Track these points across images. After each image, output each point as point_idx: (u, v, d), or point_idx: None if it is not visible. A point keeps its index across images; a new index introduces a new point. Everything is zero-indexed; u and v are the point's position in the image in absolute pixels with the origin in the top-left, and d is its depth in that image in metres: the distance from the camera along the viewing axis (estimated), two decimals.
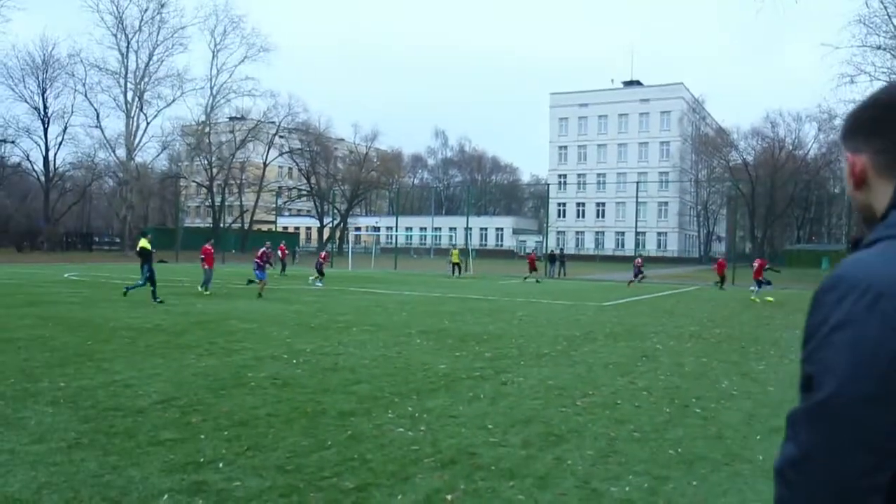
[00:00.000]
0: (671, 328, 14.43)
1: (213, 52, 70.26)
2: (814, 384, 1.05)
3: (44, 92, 65.98)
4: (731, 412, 6.97)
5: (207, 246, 21.29)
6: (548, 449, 5.50)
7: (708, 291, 28.32)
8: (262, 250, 21.21)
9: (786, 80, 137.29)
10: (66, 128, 67.81)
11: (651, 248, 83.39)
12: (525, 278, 33.21)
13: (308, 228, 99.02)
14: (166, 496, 4.29)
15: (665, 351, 11.15)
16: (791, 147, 76.72)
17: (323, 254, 29.44)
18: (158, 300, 16.98)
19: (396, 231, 58.51)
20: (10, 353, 9.30)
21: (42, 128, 66.53)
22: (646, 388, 8.02)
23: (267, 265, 20.87)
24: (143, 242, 17.96)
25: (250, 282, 22.70)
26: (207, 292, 20.31)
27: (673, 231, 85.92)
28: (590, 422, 6.41)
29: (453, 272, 37.89)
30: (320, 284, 25.85)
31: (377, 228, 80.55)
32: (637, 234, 53.37)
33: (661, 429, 6.23)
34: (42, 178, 69.17)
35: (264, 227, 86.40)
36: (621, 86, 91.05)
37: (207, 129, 72.45)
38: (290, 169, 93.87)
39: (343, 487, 4.52)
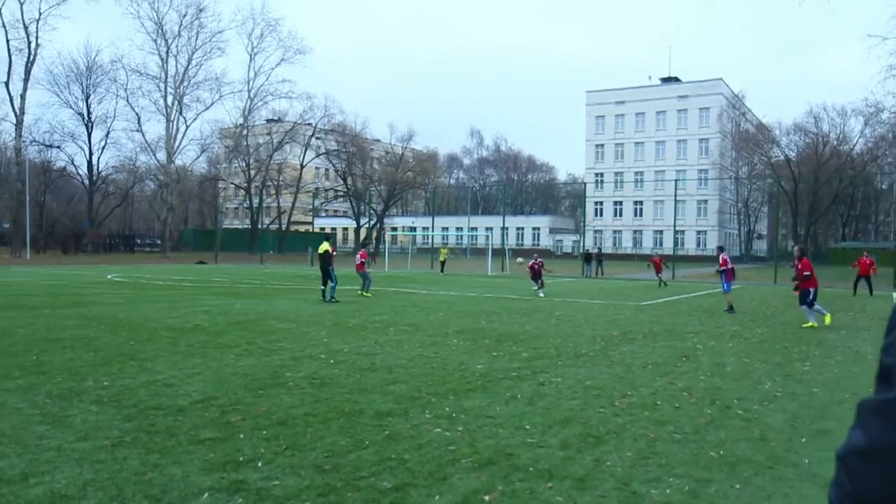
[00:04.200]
0: (711, 328, 14.19)
1: (251, 56, 71.45)
2: (892, 377, 1.00)
3: (87, 97, 67.75)
4: (774, 414, 6.82)
5: (364, 251, 23.33)
6: (586, 450, 5.43)
7: (749, 290, 27.76)
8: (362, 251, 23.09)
9: (829, 74, 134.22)
10: (108, 132, 69.58)
11: (690, 246, 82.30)
12: (660, 283, 30.44)
13: (345, 229, 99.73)
14: (206, 494, 4.33)
15: (705, 351, 10.96)
16: (836, 142, 74.90)
17: (539, 260, 24.91)
18: (335, 300, 18.70)
19: (433, 231, 58.56)
20: (57, 353, 9.53)
21: (86, 132, 68.31)
22: (686, 389, 7.88)
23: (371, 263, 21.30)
24: (326, 246, 19.78)
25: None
26: (368, 293, 21.29)
27: (713, 229, 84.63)
28: (629, 423, 6.32)
29: (442, 269, 40.73)
30: (543, 294, 23.21)
31: (413, 228, 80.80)
32: (676, 232, 52.53)
33: (702, 430, 6.11)
34: (86, 182, 70.91)
35: (301, 228, 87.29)
36: (659, 83, 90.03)
37: (245, 132, 73.52)
38: (326, 170, 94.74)
39: (381, 487, 4.52)
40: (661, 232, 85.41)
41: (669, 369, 9.21)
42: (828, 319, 14.67)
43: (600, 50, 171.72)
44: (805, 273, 14.60)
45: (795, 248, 16.15)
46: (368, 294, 21.26)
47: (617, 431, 6.01)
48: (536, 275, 24.37)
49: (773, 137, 78.60)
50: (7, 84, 56.74)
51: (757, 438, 5.88)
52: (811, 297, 14.55)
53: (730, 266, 17.99)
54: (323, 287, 19.22)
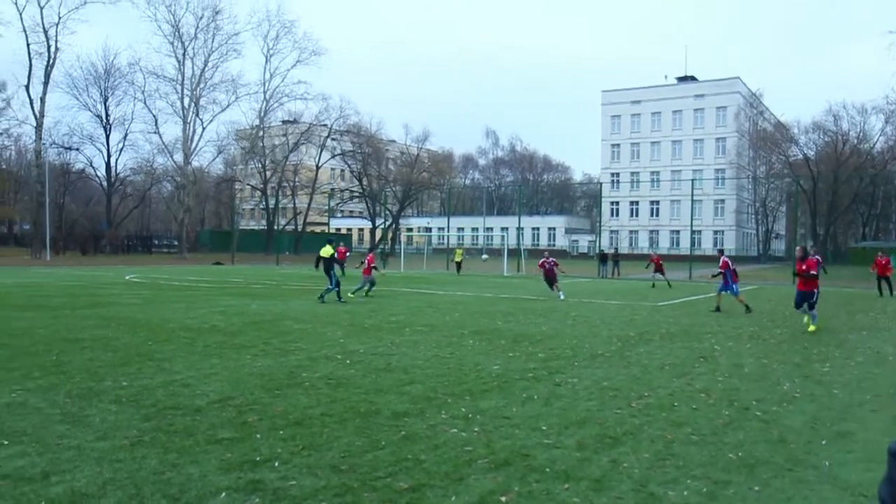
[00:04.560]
0: (729, 328, 14.08)
1: (266, 57, 71.80)
2: None
3: (106, 100, 68.52)
4: (793, 415, 6.75)
5: (372, 255, 22.70)
6: (603, 451, 5.41)
7: (767, 290, 27.54)
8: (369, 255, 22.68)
9: (849, 72, 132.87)
10: (126, 134, 70.33)
11: (707, 246, 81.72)
12: (660, 283, 29.69)
13: (360, 230, 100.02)
14: (224, 494, 4.36)
15: (723, 352, 10.88)
16: (855, 141, 74.05)
17: (551, 259, 23.03)
18: (324, 301, 18.67)
19: (448, 231, 58.55)
20: (76, 353, 9.62)
21: (104, 135, 69.10)
22: (704, 390, 7.83)
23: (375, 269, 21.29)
24: (329, 249, 19.57)
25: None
26: (352, 295, 20.50)
27: (730, 229, 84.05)
28: (646, 424, 6.29)
29: (458, 270, 40.81)
30: (563, 295, 21.87)
31: (429, 229, 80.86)
32: (693, 232, 52.18)
33: (720, 432, 6.06)
34: (104, 184, 71.68)
35: (317, 229, 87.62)
36: (675, 82, 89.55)
37: (261, 133, 73.89)
38: (342, 171, 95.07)
39: (397, 488, 4.52)
40: (677, 232, 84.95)
41: (687, 370, 9.15)
42: (811, 327, 14.13)
43: (602, 49, 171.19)
44: (812, 272, 14.12)
45: (797, 248, 15.45)
46: (352, 296, 20.32)
47: (634, 432, 5.98)
48: (549, 274, 22.58)
49: (792, 136, 77.87)
50: (27, 87, 57.46)
51: (776, 440, 5.83)
52: (815, 298, 14.12)
53: (731, 268, 17.79)
54: (338, 289, 19.00)
